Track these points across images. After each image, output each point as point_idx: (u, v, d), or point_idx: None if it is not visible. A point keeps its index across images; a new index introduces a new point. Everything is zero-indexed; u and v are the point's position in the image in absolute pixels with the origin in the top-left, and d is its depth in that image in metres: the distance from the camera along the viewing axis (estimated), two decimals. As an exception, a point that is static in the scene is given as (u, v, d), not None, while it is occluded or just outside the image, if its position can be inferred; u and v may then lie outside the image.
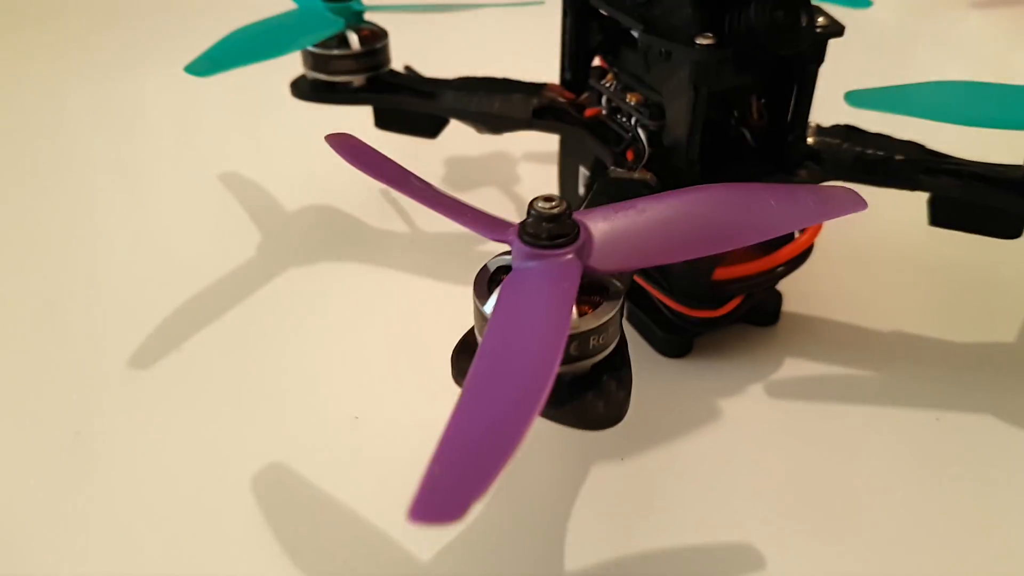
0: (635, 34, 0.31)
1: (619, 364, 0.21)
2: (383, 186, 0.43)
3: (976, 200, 0.30)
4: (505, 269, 0.21)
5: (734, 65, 0.27)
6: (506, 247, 0.21)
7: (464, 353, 0.22)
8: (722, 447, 0.28)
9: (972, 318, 0.34)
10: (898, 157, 0.30)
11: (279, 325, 0.34)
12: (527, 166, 0.46)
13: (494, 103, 0.35)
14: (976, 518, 0.26)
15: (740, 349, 0.33)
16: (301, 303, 0.35)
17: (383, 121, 0.38)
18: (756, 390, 0.31)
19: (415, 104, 0.36)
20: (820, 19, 0.27)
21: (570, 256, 0.20)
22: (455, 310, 0.34)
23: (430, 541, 0.25)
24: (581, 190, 0.36)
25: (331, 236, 0.40)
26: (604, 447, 0.28)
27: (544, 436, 0.28)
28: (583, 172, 0.35)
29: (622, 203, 0.22)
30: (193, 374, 0.31)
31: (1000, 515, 0.26)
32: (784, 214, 0.22)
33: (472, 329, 0.22)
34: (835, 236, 0.35)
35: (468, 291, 0.34)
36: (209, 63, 0.31)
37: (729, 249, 0.22)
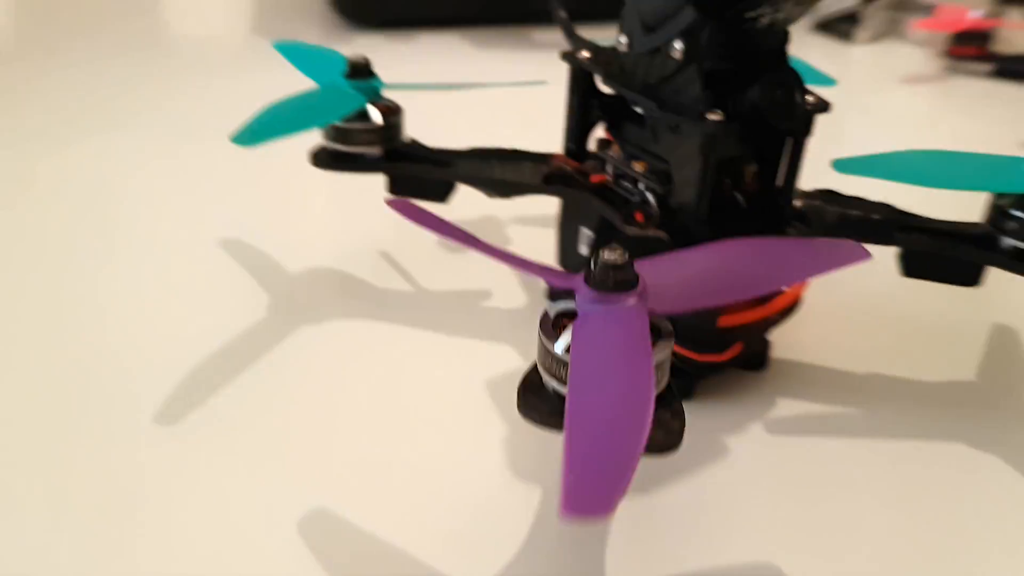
0: (638, 110, 0.35)
1: (671, 399, 0.24)
2: (380, 247, 0.46)
3: (943, 253, 0.34)
4: (566, 314, 0.24)
5: (737, 137, 0.31)
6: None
7: (530, 389, 0.24)
8: (734, 478, 0.31)
9: (938, 360, 0.38)
10: (875, 216, 0.34)
11: (298, 380, 0.35)
12: (516, 228, 0.49)
13: (507, 171, 0.38)
14: (956, 532, 0.29)
15: (736, 392, 0.36)
16: (316, 358, 0.37)
17: (397, 187, 0.41)
18: (757, 428, 0.34)
19: (432, 172, 0.39)
20: (809, 97, 0.32)
21: (634, 300, 0.23)
22: (462, 360, 0.37)
23: (472, 570, 0.27)
24: (583, 250, 0.39)
25: (336, 295, 0.42)
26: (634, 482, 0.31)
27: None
28: (586, 233, 0.39)
29: (663, 255, 0.25)
30: (221, 429, 0.33)
31: (976, 527, 0.29)
32: (802, 263, 0.25)
33: (534, 367, 0.25)
34: (813, 289, 0.39)
35: (472, 342, 0.38)
36: (251, 134, 0.33)
37: (759, 294, 0.25)
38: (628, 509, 0.29)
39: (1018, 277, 0.33)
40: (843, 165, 0.32)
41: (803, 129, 0.32)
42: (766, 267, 0.25)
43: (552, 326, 0.24)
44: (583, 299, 0.23)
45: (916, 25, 0.85)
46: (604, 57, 0.36)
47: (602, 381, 0.20)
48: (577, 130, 0.38)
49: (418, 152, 0.40)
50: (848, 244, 0.26)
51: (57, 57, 0.79)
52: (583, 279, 0.23)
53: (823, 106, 0.32)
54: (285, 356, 0.37)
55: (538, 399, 0.24)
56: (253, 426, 0.33)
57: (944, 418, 0.34)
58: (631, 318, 0.22)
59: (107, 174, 0.55)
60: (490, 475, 0.31)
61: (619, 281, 0.23)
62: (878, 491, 0.31)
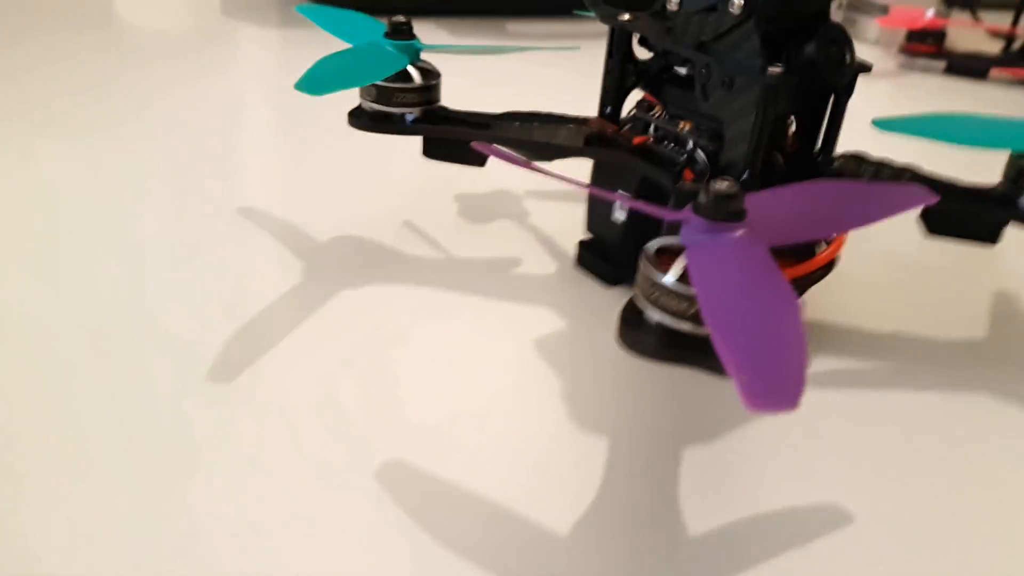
0: (682, 71, 0.36)
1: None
2: (403, 217, 0.46)
3: (965, 211, 0.36)
4: (665, 249, 0.25)
5: (789, 94, 0.32)
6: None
7: (631, 323, 0.25)
8: (789, 425, 0.32)
9: (956, 318, 0.40)
10: (906, 177, 0.36)
11: (345, 339, 0.35)
12: (531, 201, 0.50)
13: (548, 133, 0.39)
14: (982, 467, 0.31)
15: (773, 347, 0.37)
16: (363, 322, 0.37)
17: (432, 151, 0.41)
18: (802, 378, 0.35)
19: (471, 135, 0.39)
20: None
21: (744, 230, 0.24)
22: (506, 322, 0.37)
23: (548, 512, 0.27)
24: (619, 216, 0.40)
25: (369, 262, 0.42)
26: (693, 431, 0.32)
27: (640, 428, 0.32)
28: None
29: (754, 193, 0.26)
30: (274, 387, 0.32)
31: (999, 464, 0.31)
32: (881, 203, 0.27)
33: (629, 304, 0.26)
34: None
35: (512, 305, 0.38)
36: (311, 83, 0.33)
37: (844, 231, 0.26)
38: (694, 454, 0.30)
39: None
40: (883, 124, 0.34)
41: (845, 88, 0.33)
42: (851, 206, 0.26)
43: (655, 262, 0.25)
44: (693, 228, 0.24)
45: (876, 21, 0.89)
46: (643, 20, 0.37)
47: (742, 298, 0.21)
48: (615, 94, 0.39)
49: (456, 114, 0.40)
50: (916, 187, 0.28)
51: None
52: (692, 210, 0.24)
53: (866, 66, 0.33)
54: (332, 319, 0.37)
55: (641, 332, 0.25)
56: (303, 382, 0.33)
57: (965, 371, 0.37)
58: (751, 243, 0.23)
59: (126, 154, 0.54)
60: (555, 425, 0.31)
61: (731, 210, 0.24)
62: (916, 433, 0.33)
